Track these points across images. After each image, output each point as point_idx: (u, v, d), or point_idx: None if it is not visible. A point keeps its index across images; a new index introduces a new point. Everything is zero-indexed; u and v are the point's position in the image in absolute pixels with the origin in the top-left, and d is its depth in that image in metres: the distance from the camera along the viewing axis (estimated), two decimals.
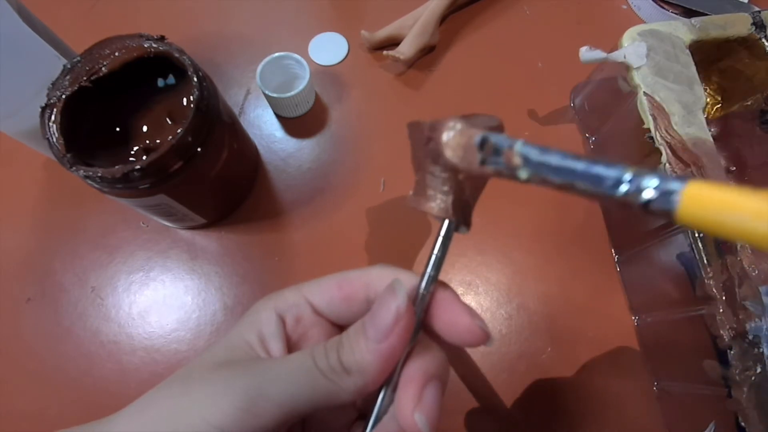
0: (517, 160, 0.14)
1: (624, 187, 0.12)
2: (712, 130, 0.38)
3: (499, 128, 0.17)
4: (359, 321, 0.17)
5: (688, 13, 0.44)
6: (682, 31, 0.33)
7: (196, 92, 0.29)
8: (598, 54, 0.32)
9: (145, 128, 0.33)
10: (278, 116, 0.43)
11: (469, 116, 0.17)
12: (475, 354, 0.35)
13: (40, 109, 0.29)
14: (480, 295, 0.37)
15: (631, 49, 0.32)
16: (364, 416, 0.20)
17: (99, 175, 0.27)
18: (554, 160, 0.13)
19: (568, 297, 0.37)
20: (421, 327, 0.18)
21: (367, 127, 0.43)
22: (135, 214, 0.39)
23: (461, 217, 0.17)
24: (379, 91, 0.44)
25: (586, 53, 0.33)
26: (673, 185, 0.11)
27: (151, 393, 0.16)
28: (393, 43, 0.45)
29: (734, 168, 0.37)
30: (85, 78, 0.30)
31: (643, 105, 0.31)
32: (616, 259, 0.38)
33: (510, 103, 0.44)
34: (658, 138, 0.30)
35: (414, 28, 0.44)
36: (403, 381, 0.17)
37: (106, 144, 0.32)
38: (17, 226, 0.39)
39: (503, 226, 0.39)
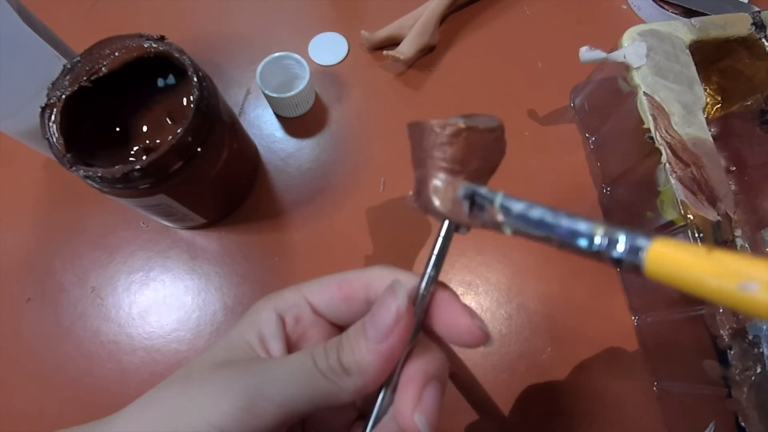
0: (500, 217, 0.15)
1: (597, 243, 0.13)
2: (712, 130, 0.38)
3: (499, 128, 0.17)
4: (359, 321, 0.17)
5: (688, 13, 0.44)
6: (682, 31, 0.33)
7: (196, 92, 0.29)
8: (598, 54, 0.32)
9: (145, 128, 0.33)
10: (278, 116, 0.43)
11: (469, 116, 0.17)
12: (475, 354, 0.35)
13: (40, 109, 0.29)
14: (480, 295, 0.37)
15: (631, 49, 0.32)
16: (363, 416, 0.20)
17: (99, 175, 0.27)
18: (535, 213, 0.14)
19: (568, 297, 0.37)
20: (421, 327, 0.18)
21: (367, 127, 0.43)
22: (135, 214, 0.39)
23: None
24: (379, 91, 0.44)
25: (586, 53, 0.33)
26: (641, 242, 0.12)
27: (151, 393, 0.16)
28: (393, 43, 0.45)
29: (734, 168, 0.37)
30: (85, 78, 0.30)
31: (643, 105, 0.31)
32: None
33: (510, 103, 0.44)
34: (658, 138, 0.30)
35: (414, 28, 0.44)
36: (402, 381, 0.17)
37: (106, 144, 0.32)
38: (17, 226, 0.39)
39: None
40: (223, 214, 0.39)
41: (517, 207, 0.14)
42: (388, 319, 0.16)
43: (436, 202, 0.16)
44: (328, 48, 0.46)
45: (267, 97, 0.40)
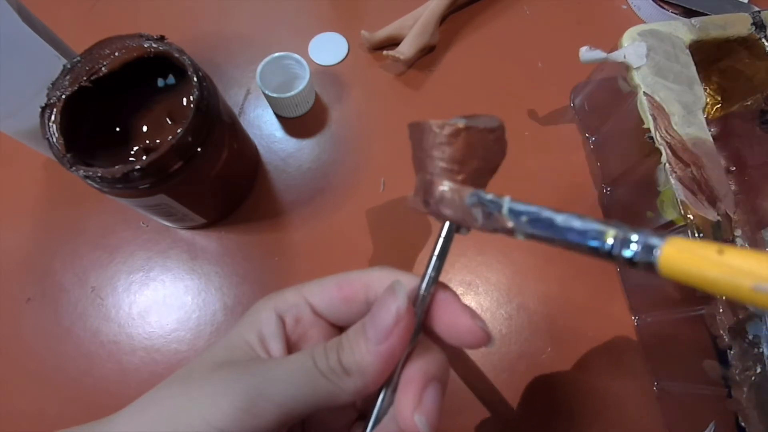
0: (510, 224, 0.15)
1: (609, 243, 0.13)
2: (712, 130, 0.38)
3: (499, 129, 0.17)
4: (359, 322, 0.17)
5: (688, 13, 0.44)
6: (682, 31, 0.33)
7: (196, 92, 0.29)
8: (598, 54, 0.32)
9: (145, 128, 0.33)
10: (278, 116, 0.43)
11: (469, 116, 0.17)
12: (475, 354, 0.35)
13: (40, 109, 0.29)
14: (480, 295, 0.37)
15: (631, 49, 0.32)
16: (364, 417, 0.20)
17: (99, 175, 0.27)
18: (545, 217, 0.14)
19: (568, 297, 0.37)
20: (421, 328, 0.18)
21: (367, 127, 0.43)
22: (135, 214, 0.39)
23: None
24: (379, 91, 0.44)
25: (586, 53, 0.33)
26: (654, 241, 0.12)
27: (151, 393, 0.16)
28: (393, 43, 0.45)
29: (734, 168, 0.37)
30: (85, 78, 0.30)
31: (643, 105, 0.31)
32: None
33: (510, 103, 0.44)
34: (658, 138, 0.30)
35: (414, 28, 0.44)
36: (403, 382, 0.17)
37: (106, 144, 0.32)
38: (17, 226, 0.39)
39: None
40: (223, 214, 0.39)
41: (526, 212, 0.14)
42: (388, 319, 0.16)
43: (448, 212, 0.16)
44: (328, 48, 0.46)
45: (267, 97, 0.40)
